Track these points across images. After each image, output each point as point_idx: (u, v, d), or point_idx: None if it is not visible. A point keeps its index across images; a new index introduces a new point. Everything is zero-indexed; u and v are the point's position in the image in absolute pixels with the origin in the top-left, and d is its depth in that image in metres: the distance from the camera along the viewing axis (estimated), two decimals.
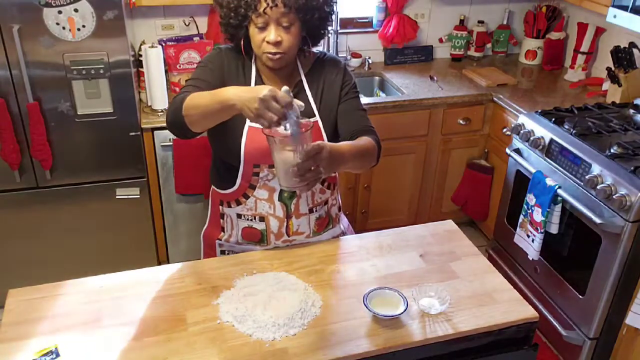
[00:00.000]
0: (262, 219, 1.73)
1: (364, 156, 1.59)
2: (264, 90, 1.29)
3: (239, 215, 1.75)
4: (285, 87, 1.33)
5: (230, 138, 1.64)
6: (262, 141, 1.59)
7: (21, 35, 2.34)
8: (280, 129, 1.33)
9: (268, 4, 1.49)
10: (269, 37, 1.54)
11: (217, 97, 1.42)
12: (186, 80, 1.66)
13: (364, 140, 1.61)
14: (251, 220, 1.74)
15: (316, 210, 1.76)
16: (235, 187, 1.71)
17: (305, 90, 1.69)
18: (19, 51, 2.35)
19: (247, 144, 1.63)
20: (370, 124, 1.71)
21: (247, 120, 1.61)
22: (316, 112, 1.68)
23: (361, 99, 1.77)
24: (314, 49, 1.73)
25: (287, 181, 1.36)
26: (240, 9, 1.53)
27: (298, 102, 1.33)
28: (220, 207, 1.79)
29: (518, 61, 3.69)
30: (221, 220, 1.81)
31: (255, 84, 1.65)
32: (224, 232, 1.82)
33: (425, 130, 3.16)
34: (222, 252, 1.85)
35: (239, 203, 1.73)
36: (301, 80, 1.70)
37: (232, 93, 1.38)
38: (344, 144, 1.52)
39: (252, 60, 1.68)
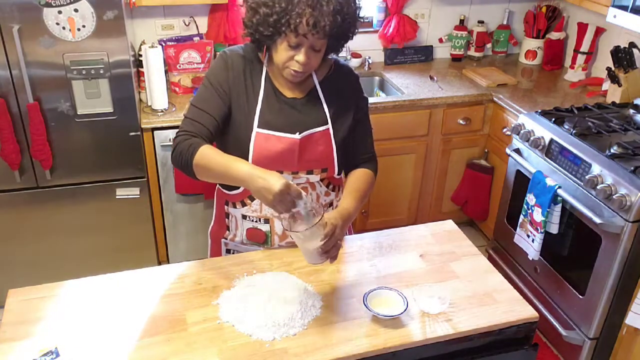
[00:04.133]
0: (266, 220, 1.73)
1: (366, 196, 1.71)
2: (278, 183, 1.35)
3: (243, 216, 1.75)
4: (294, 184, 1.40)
5: (238, 145, 1.62)
6: (270, 148, 1.60)
7: (21, 35, 2.34)
8: (294, 213, 1.42)
9: (310, 30, 1.46)
10: (299, 58, 1.52)
11: (230, 171, 1.45)
12: (190, 103, 1.63)
13: (365, 176, 1.73)
14: (256, 221, 1.74)
15: None
16: (241, 189, 1.70)
17: (319, 98, 1.67)
18: (19, 51, 2.35)
19: (255, 151, 1.61)
20: (373, 148, 1.80)
21: (255, 127, 1.60)
22: (329, 121, 1.67)
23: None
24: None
25: (315, 260, 1.48)
26: (278, 24, 1.47)
27: (304, 197, 1.40)
28: (225, 206, 1.79)
29: (518, 61, 3.69)
30: (226, 220, 1.81)
31: (265, 89, 1.63)
32: (229, 231, 1.82)
33: (425, 130, 3.16)
34: (228, 251, 1.86)
35: (244, 204, 1.73)
36: (315, 88, 1.68)
37: (247, 173, 1.42)
38: (349, 201, 1.62)
39: (264, 63, 1.65)
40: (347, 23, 1.52)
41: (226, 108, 1.61)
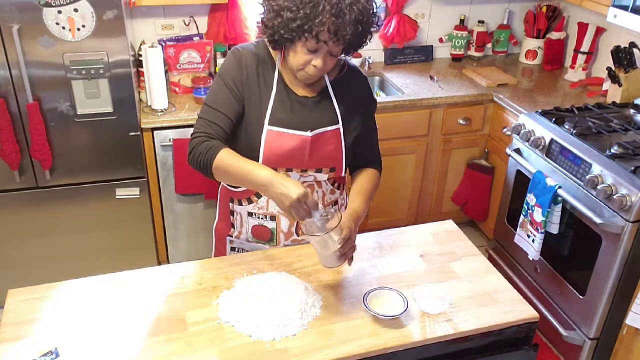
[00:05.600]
0: (272, 217, 1.73)
1: (372, 196, 1.76)
2: (296, 191, 1.40)
3: (249, 214, 1.75)
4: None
5: (248, 142, 1.62)
6: (281, 146, 1.60)
7: (21, 35, 2.34)
8: (311, 221, 1.47)
9: (331, 38, 1.47)
10: (317, 63, 1.52)
11: (250, 175, 1.48)
12: (204, 102, 1.62)
13: (371, 176, 1.76)
14: (262, 218, 1.74)
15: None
16: (236, 185, 1.70)
17: (331, 97, 1.68)
18: (18, 51, 2.35)
19: (265, 149, 1.61)
20: (378, 149, 1.83)
21: (266, 124, 1.61)
22: (340, 120, 1.67)
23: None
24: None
25: (333, 263, 1.53)
26: (300, 30, 1.47)
27: (320, 208, 1.47)
28: (230, 204, 1.79)
29: (518, 61, 3.68)
30: (231, 217, 1.81)
31: (277, 87, 1.63)
32: (233, 228, 1.82)
33: (425, 130, 3.15)
34: (232, 249, 1.86)
35: (250, 201, 1.73)
36: (327, 88, 1.68)
37: (267, 179, 1.45)
38: (359, 203, 1.67)
39: (276, 62, 1.64)
40: (366, 31, 1.53)
41: (240, 107, 1.61)
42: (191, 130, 2.07)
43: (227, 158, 1.52)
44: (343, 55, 1.63)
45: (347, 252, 1.51)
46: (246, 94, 1.61)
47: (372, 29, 1.55)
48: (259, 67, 1.63)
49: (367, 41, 1.59)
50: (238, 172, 1.51)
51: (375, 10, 1.54)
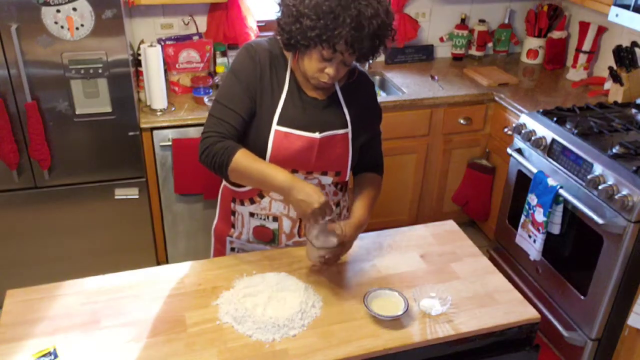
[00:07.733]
0: (275, 218, 1.72)
1: (376, 201, 1.76)
2: (319, 200, 1.45)
3: (251, 214, 1.74)
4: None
5: (256, 141, 1.61)
6: (288, 146, 1.60)
7: (19, 34, 2.33)
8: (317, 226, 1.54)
9: (347, 49, 1.46)
10: (330, 71, 1.52)
11: (270, 179, 1.50)
12: (216, 99, 1.60)
13: (374, 181, 1.78)
14: (264, 219, 1.73)
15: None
16: (252, 187, 1.69)
17: (340, 102, 1.67)
18: (17, 50, 2.34)
19: (273, 148, 1.59)
20: (382, 153, 1.84)
21: (274, 124, 1.59)
22: (349, 125, 1.66)
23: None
24: None
25: (314, 261, 1.61)
26: (318, 39, 1.45)
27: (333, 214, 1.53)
28: (232, 204, 1.77)
29: (519, 60, 3.68)
30: (232, 217, 1.80)
31: (289, 87, 1.61)
32: (234, 229, 1.81)
33: (426, 130, 3.15)
34: (232, 250, 1.85)
35: (253, 202, 1.72)
36: (336, 92, 1.67)
37: (288, 184, 1.48)
38: (363, 211, 1.68)
39: (289, 61, 1.63)
40: (382, 44, 1.52)
41: (252, 104, 1.59)
42: (191, 130, 2.08)
43: (244, 160, 1.52)
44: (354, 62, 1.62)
45: (329, 262, 1.59)
46: (259, 91, 1.60)
47: (386, 40, 1.55)
48: (272, 65, 1.62)
49: (381, 52, 1.58)
50: (256, 175, 1.51)
51: (393, 25, 1.52)
